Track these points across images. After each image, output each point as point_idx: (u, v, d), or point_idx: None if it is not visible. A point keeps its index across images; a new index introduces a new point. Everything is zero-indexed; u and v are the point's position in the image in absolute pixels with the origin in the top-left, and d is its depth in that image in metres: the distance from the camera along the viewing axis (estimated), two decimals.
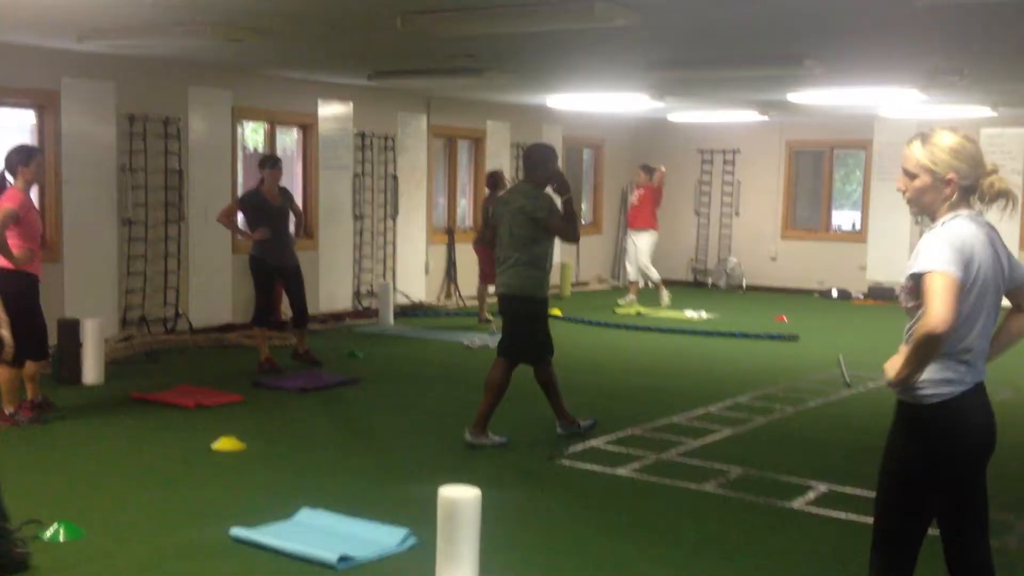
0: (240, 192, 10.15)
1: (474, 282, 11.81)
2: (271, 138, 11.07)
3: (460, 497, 3.76)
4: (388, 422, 6.92)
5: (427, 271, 12.71)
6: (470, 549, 3.76)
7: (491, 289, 11.23)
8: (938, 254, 2.86)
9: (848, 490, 5.38)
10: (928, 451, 2.98)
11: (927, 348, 2.83)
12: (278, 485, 5.39)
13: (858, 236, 14.88)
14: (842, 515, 5.00)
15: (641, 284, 13.49)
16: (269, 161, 8.63)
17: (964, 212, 2.99)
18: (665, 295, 13.08)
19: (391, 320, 11.24)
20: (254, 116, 10.89)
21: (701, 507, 5.17)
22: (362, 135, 11.73)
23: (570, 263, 14.19)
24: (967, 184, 2.99)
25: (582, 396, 7.71)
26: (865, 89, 10.31)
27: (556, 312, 12.18)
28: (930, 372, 2.92)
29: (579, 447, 6.20)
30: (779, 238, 15.32)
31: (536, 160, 6.24)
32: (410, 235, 12.49)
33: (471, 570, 3.75)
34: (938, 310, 2.78)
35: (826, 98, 11.24)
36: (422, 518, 4.41)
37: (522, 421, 6.89)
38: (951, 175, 2.97)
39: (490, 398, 6.20)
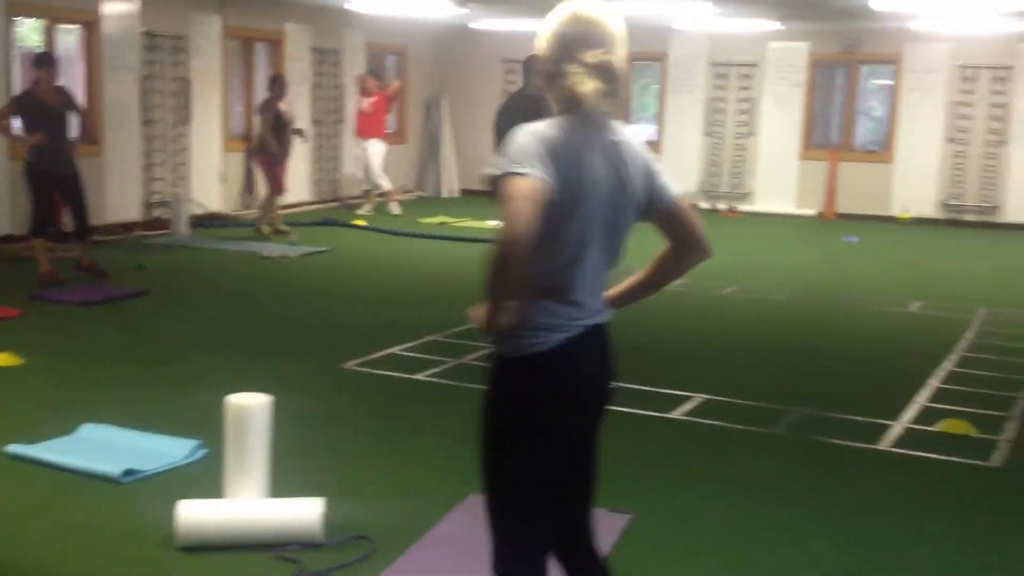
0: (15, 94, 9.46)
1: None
2: (49, 36, 10.32)
3: (249, 404, 3.67)
4: (178, 333, 6.71)
5: (223, 180, 12.27)
6: (260, 457, 3.69)
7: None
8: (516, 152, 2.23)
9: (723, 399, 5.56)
10: (528, 409, 2.37)
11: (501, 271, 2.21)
12: (59, 401, 5.15)
13: (654, 148, 15.30)
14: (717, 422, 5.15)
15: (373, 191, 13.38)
16: (44, 59, 8.06)
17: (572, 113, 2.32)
18: (395, 206, 13.17)
19: (184, 231, 10.84)
20: (30, 12, 10.13)
21: None
22: (150, 35, 11.10)
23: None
24: (550, 69, 2.35)
25: (384, 305, 7.71)
26: None
27: (360, 223, 12.06)
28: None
29: (377, 354, 6.19)
30: None
31: None
32: (204, 142, 11.99)
33: (261, 477, 3.70)
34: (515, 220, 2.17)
35: (622, 8, 11.39)
36: (214, 429, 4.31)
37: (314, 327, 6.84)
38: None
39: None
